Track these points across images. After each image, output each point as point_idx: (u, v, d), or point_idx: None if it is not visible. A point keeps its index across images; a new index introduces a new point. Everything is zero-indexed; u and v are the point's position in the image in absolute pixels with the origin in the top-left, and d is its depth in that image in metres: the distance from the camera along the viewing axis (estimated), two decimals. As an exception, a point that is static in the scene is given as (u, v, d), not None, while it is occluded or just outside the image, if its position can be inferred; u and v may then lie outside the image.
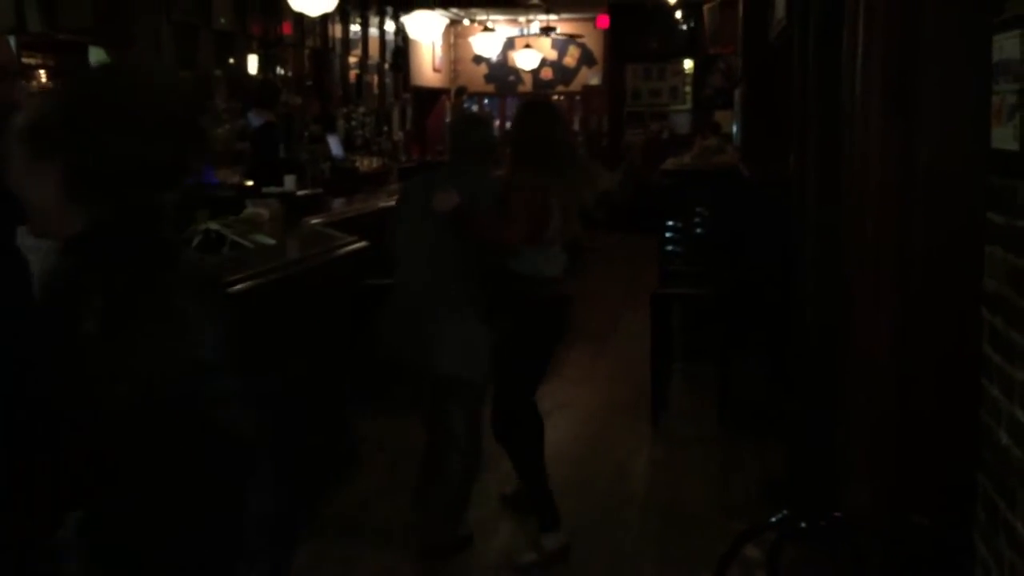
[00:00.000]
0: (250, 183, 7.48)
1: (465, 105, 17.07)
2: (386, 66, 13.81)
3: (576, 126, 16.05)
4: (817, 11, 3.62)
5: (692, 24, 15.35)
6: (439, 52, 16.39)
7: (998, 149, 2.02)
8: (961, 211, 2.17)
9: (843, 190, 2.71)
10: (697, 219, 6.75)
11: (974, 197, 2.14)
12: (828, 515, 2.37)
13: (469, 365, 3.71)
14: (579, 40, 16.69)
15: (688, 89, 16.19)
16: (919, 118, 2.20)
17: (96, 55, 7.43)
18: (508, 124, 13.83)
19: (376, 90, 13.46)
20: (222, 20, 8.99)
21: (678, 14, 15.24)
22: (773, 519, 2.60)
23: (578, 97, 16.85)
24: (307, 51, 11.04)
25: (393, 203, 7.31)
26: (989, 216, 2.13)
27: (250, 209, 5.33)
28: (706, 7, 13.81)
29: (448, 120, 16.11)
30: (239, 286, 3.55)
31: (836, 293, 2.86)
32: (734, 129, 9.76)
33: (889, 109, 2.28)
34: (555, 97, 16.76)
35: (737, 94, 8.91)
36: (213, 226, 4.84)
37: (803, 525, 2.31)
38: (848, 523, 2.32)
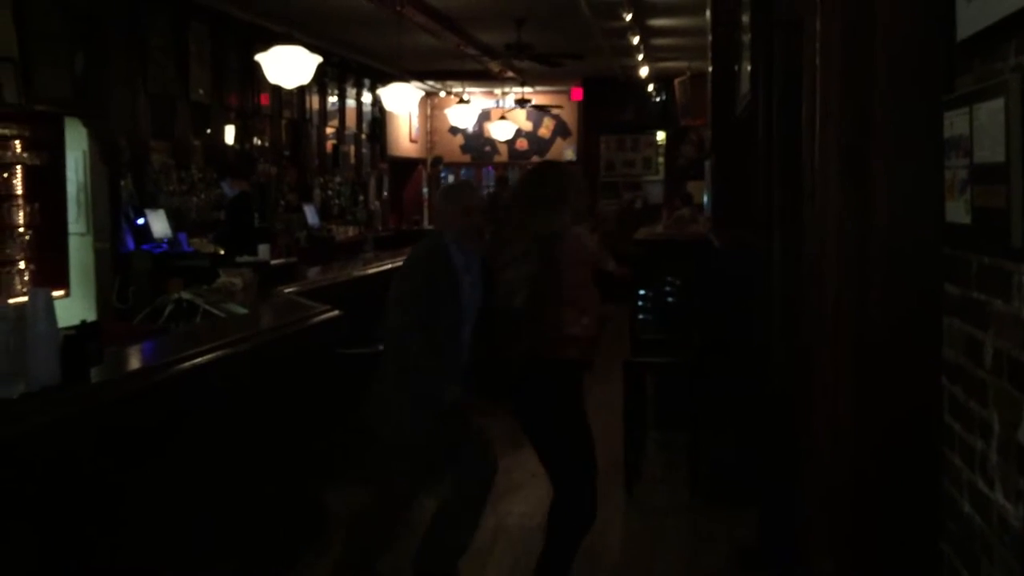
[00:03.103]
0: (223, 252, 7.49)
1: (442, 175, 17.22)
2: (363, 136, 13.95)
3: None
4: (779, 85, 3.70)
5: (664, 97, 15.64)
6: (415, 123, 16.58)
7: (952, 222, 2.07)
8: (919, 282, 2.21)
9: (803, 260, 2.76)
10: (668, 288, 6.79)
11: (931, 268, 2.18)
12: (795, 586, 2.36)
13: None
14: (554, 111, 16.95)
15: (661, 160, 16.43)
16: (875, 191, 2.25)
17: (72, 126, 7.47)
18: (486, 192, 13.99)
19: (353, 160, 13.57)
20: (200, 91, 9.08)
21: (650, 87, 15.53)
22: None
23: (553, 167, 17.05)
24: (284, 121, 11.15)
25: (368, 272, 7.37)
26: (946, 287, 2.17)
27: (223, 278, 5.34)
28: (677, 81, 14.08)
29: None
30: (209, 356, 3.53)
31: (798, 362, 2.89)
32: (705, 199, 9.88)
33: (846, 182, 2.33)
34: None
35: (708, 164, 9.04)
36: (186, 295, 4.84)
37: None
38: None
